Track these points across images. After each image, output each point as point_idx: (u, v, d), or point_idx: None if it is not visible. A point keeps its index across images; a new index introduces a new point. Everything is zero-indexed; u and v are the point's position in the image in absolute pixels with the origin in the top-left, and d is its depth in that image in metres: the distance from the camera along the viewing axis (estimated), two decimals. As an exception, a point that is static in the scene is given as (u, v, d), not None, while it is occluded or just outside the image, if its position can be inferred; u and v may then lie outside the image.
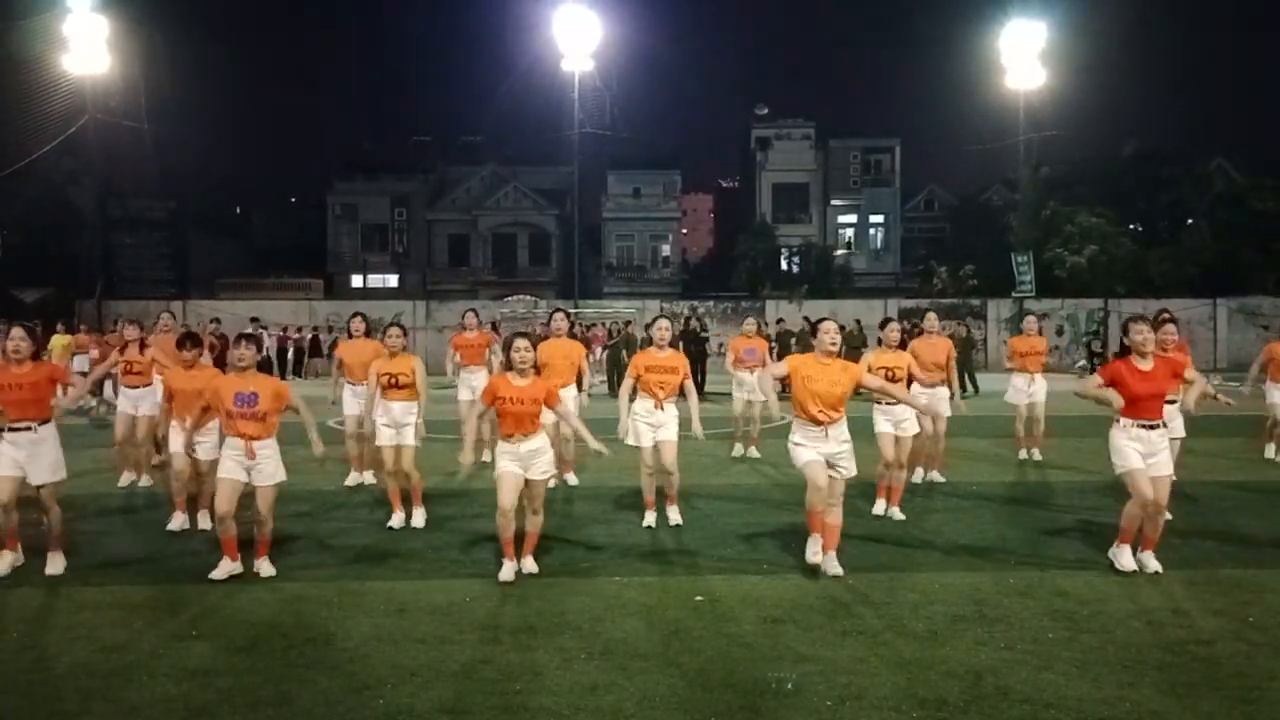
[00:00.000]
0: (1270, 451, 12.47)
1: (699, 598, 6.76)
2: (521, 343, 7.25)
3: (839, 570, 7.18)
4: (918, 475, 10.90)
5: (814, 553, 7.25)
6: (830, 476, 7.15)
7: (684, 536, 8.64)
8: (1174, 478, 8.13)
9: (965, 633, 6.01)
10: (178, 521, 8.91)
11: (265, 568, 7.33)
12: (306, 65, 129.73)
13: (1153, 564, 7.26)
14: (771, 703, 4.97)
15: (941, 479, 11.10)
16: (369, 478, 11.03)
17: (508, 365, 7.29)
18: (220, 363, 7.47)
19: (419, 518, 9.12)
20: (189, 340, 8.78)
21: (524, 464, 7.14)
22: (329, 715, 4.87)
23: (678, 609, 6.53)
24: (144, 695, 5.12)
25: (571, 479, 10.98)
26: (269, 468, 7.29)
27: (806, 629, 6.10)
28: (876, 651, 5.69)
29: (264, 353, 28.15)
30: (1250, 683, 5.18)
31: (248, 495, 7.35)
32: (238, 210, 65.91)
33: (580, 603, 6.65)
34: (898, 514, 9.25)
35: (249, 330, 27.39)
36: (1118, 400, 7.11)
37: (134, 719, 4.87)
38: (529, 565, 7.31)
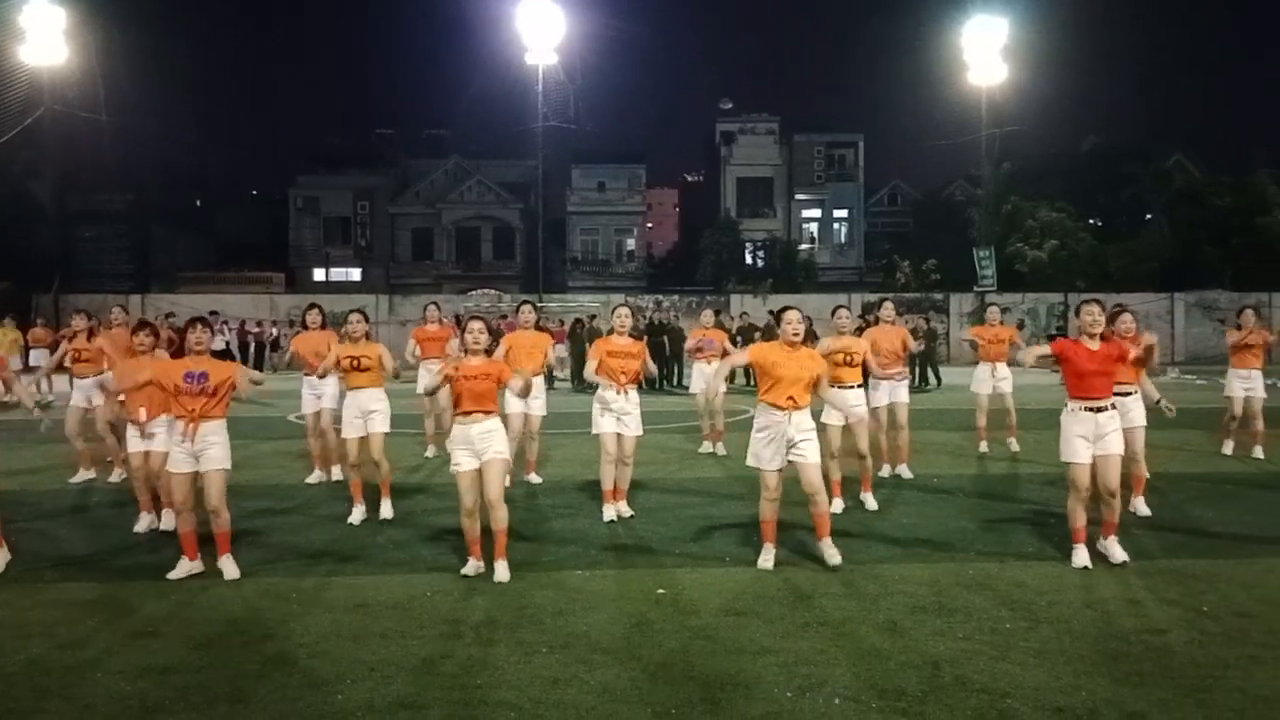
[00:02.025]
0: (1228, 449, 12.56)
1: (661, 591, 6.77)
2: (476, 324, 7.34)
3: (838, 559, 7.19)
4: (884, 470, 10.95)
5: (765, 560, 7.25)
6: (793, 462, 7.15)
7: (646, 530, 8.65)
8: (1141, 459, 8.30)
9: (925, 623, 6.05)
10: (144, 523, 8.66)
11: (229, 567, 7.15)
12: (269, 57, 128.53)
13: (1116, 553, 7.28)
14: (732, 694, 4.98)
15: (910, 475, 11.07)
16: (315, 476, 10.94)
17: (464, 347, 7.34)
18: (178, 357, 7.46)
19: (386, 509, 9.06)
20: (144, 328, 8.64)
21: (477, 450, 7.10)
22: (287, 712, 4.83)
23: (640, 602, 6.53)
24: (99, 692, 5.06)
25: (534, 478, 10.93)
26: (215, 452, 7.12)
27: (768, 621, 6.12)
28: (837, 643, 5.72)
29: (220, 340, 28.14)
30: (1203, 671, 5.25)
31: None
32: (198, 204, 65.23)
33: (542, 596, 6.64)
34: (871, 501, 9.33)
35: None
36: (1047, 351, 7.29)
37: (89, 716, 4.81)
38: (502, 572, 7.04)
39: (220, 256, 56.40)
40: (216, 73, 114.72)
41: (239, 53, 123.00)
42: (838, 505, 9.15)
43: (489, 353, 7.47)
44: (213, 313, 30.41)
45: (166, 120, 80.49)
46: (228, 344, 29.96)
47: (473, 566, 7.13)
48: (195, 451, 7.09)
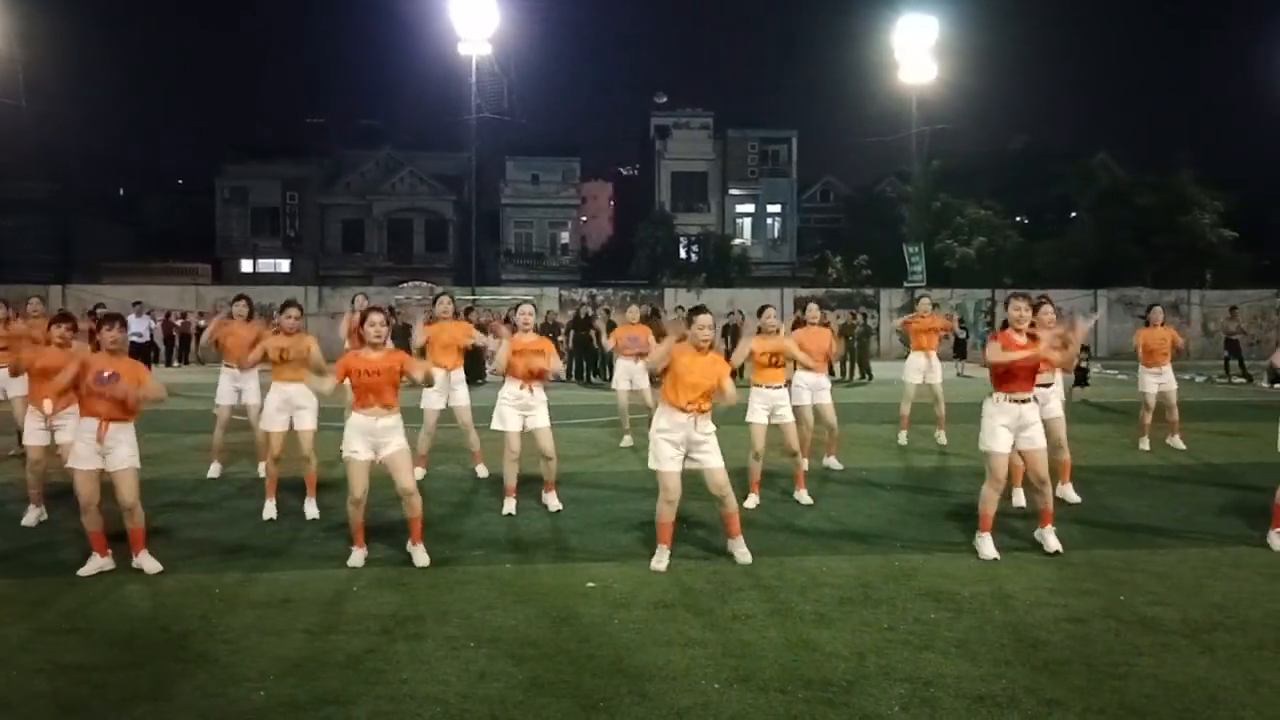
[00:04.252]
0: (1145, 444, 12.85)
1: (590, 584, 6.76)
2: (375, 316, 7.28)
3: (748, 558, 7.23)
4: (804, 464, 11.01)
5: (659, 562, 7.15)
6: (696, 466, 7.17)
7: (575, 523, 8.64)
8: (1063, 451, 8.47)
9: (851, 614, 6.12)
10: (32, 516, 8.53)
11: (148, 563, 7.01)
12: (197, 43, 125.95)
13: (1052, 542, 7.45)
14: (661, 686, 4.99)
15: (839, 466, 11.26)
16: (214, 470, 10.80)
17: (361, 339, 7.32)
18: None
19: (311, 508, 8.87)
20: (63, 320, 8.45)
21: (375, 443, 7.08)
22: (208, 709, 4.75)
23: (569, 596, 6.52)
24: (15, 691, 4.94)
25: (482, 470, 10.84)
26: (123, 451, 6.94)
27: (697, 613, 6.15)
28: (764, 634, 5.76)
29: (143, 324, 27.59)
30: (1119, 659, 5.38)
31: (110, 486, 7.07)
32: (122, 193, 63.91)
33: (470, 591, 6.60)
34: (805, 497, 9.41)
35: (131, 314, 26.53)
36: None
37: (4, 715, 4.69)
38: (420, 557, 7.20)
39: (145, 247, 55.27)
40: (143, 59, 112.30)
41: (166, 39, 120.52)
42: (753, 501, 9.21)
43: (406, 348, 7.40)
44: (137, 303, 29.80)
45: (90, 108, 78.82)
46: (151, 334, 29.35)
47: (358, 557, 7.20)
48: (102, 450, 6.93)
